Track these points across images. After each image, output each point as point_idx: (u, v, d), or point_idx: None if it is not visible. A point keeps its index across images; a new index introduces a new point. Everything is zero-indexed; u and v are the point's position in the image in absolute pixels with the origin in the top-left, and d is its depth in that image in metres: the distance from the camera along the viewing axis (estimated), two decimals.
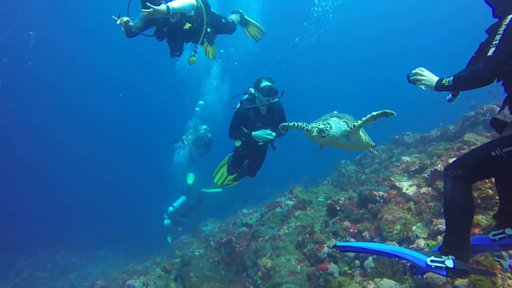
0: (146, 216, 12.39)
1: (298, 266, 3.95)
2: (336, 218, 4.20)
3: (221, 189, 9.60)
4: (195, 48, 4.41)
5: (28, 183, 21.81)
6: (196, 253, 5.04)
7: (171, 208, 9.35)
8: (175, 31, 3.94)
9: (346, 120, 2.88)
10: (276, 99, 3.83)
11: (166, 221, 8.96)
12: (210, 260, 4.75)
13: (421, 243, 3.00)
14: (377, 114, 2.37)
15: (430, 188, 3.42)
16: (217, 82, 13.90)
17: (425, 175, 3.68)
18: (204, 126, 9.62)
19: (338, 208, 4.30)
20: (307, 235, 4.31)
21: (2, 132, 22.36)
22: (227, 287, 4.28)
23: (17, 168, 23.34)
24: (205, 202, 9.83)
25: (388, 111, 2.28)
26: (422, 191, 3.36)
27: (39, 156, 24.41)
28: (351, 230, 3.83)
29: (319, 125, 2.73)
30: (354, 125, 2.70)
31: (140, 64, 24.91)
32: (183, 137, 10.06)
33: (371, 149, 3.57)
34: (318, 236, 4.12)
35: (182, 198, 9.80)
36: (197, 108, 12.54)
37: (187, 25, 3.84)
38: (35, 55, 20.38)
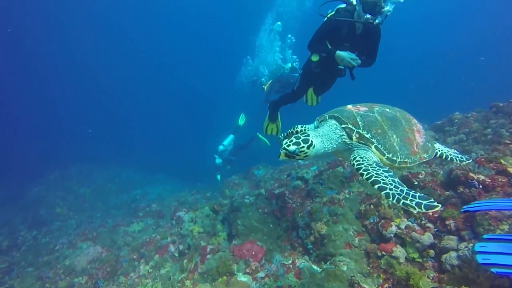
0: (202, 149, 12.82)
1: (356, 239, 3.51)
2: None
3: (269, 144, 9.26)
4: None
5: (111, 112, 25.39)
6: (246, 201, 4.88)
7: (221, 147, 9.45)
8: None
9: (349, 126, 2.04)
10: (378, 20, 3.03)
11: (218, 160, 9.11)
12: (260, 210, 4.55)
13: None
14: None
15: None
16: None
17: None
18: (289, 65, 7.62)
19: (416, 183, 3.61)
20: (371, 206, 3.77)
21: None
22: (274, 242, 4.08)
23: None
24: (259, 146, 9.68)
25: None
26: None
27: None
28: (430, 213, 3.18)
29: (288, 145, 1.93)
30: (353, 165, 1.92)
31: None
32: (262, 79, 8.26)
33: (459, 158, 2.64)
34: (386, 210, 3.55)
35: (230, 137, 9.82)
36: None
37: None
38: None
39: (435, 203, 1.56)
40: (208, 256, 4.05)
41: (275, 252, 3.89)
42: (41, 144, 19.31)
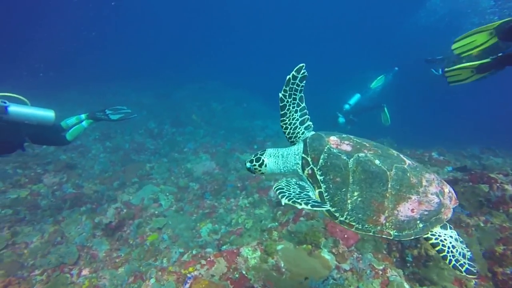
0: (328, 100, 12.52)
1: (474, 281, 2.91)
2: None
3: (389, 123, 8.43)
4: None
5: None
6: None
7: (347, 106, 8.92)
8: None
9: (307, 159, 1.74)
10: None
11: (341, 119, 8.71)
12: None
13: None
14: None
15: None
16: None
17: None
18: None
19: None
20: None
21: None
22: None
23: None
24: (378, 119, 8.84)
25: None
26: None
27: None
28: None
29: (247, 161, 2.05)
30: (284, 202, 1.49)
31: None
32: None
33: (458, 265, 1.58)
34: None
35: (357, 96, 9.07)
36: None
37: None
38: None
39: (325, 205, 1.45)
40: (302, 218, 4.11)
41: (368, 244, 3.64)
42: (191, 59, 23.77)
